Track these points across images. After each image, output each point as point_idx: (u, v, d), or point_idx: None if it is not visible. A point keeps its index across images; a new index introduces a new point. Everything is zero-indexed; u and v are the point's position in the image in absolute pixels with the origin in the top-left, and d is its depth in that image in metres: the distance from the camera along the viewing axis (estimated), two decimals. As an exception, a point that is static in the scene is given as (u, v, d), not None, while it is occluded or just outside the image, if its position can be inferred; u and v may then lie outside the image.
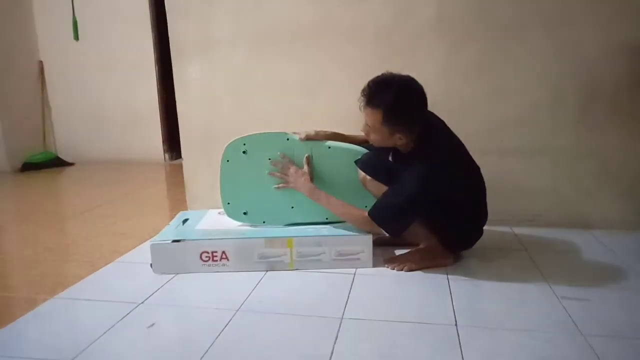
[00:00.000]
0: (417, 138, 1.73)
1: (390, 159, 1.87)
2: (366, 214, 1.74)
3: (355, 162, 1.91)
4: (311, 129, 1.96)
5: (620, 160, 2.22)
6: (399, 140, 1.71)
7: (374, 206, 1.75)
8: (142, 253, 2.04)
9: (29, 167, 4.50)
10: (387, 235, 1.83)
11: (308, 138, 1.93)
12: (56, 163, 4.70)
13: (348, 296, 1.64)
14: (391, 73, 1.68)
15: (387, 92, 1.63)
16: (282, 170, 1.94)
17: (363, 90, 1.68)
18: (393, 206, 1.70)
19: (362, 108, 1.70)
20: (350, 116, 2.00)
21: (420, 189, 1.66)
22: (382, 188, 1.79)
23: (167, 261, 1.85)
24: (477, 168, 1.85)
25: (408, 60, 2.25)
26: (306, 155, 1.93)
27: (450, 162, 1.72)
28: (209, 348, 1.33)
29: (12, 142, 4.46)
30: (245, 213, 1.99)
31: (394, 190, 1.71)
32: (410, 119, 1.68)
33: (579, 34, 2.14)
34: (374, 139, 1.75)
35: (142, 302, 1.63)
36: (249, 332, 1.43)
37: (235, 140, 1.96)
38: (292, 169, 1.92)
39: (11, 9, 4.49)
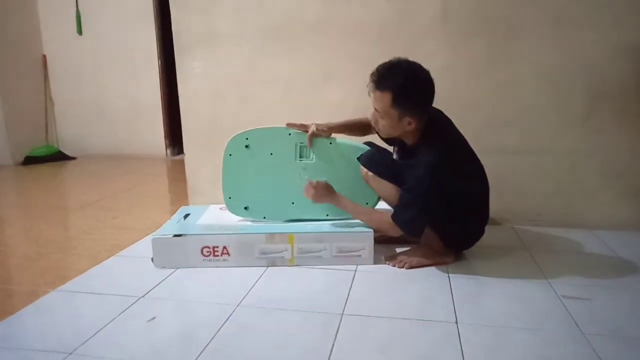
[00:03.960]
0: (424, 129, 1.72)
1: (394, 156, 1.86)
2: (390, 219, 1.74)
3: (358, 158, 1.91)
4: (315, 122, 1.94)
5: (624, 160, 2.21)
6: (408, 125, 1.69)
7: (395, 211, 1.75)
8: (144, 247, 2.04)
9: (31, 160, 4.50)
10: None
11: (314, 134, 1.92)
12: (58, 157, 4.70)
13: (349, 292, 1.64)
14: (398, 58, 1.68)
15: (396, 74, 1.64)
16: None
17: (372, 75, 1.68)
18: (409, 207, 1.70)
19: (370, 93, 1.69)
20: (354, 112, 2.00)
21: (431, 180, 1.65)
22: (384, 184, 1.78)
23: (168, 255, 1.85)
24: (481, 167, 1.84)
25: (412, 57, 2.23)
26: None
27: (455, 154, 1.72)
28: (209, 342, 1.34)
29: (14, 135, 4.47)
30: (246, 208, 1.99)
31: (406, 193, 1.71)
32: (420, 100, 1.68)
33: (585, 33, 2.13)
34: (382, 126, 1.74)
35: (143, 296, 1.63)
36: (249, 327, 1.43)
37: (238, 134, 1.96)
38: (311, 184, 1.87)
39: (15, 2, 4.49)
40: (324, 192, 1.87)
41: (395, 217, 1.73)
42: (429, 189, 1.66)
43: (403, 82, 1.63)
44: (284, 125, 1.95)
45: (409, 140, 1.77)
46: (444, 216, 1.75)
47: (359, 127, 1.98)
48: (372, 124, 1.77)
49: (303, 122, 1.94)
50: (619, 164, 2.22)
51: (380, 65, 1.68)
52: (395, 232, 1.77)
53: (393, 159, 1.87)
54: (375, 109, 1.71)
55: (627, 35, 2.10)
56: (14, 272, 1.95)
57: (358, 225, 1.91)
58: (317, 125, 1.92)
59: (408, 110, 1.66)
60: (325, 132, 1.92)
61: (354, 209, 1.87)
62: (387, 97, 1.65)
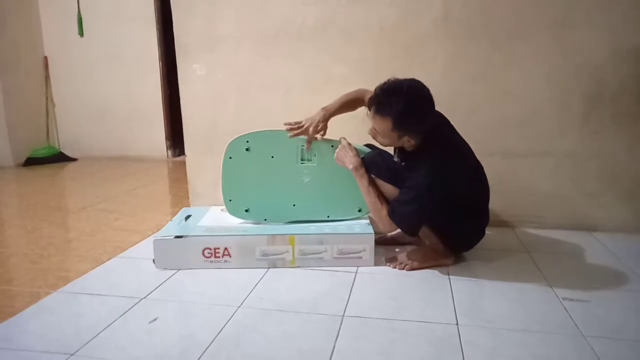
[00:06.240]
0: (424, 136, 1.73)
1: (395, 158, 1.87)
2: (387, 213, 1.74)
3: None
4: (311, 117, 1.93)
5: (624, 163, 2.21)
6: (408, 142, 1.72)
7: (391, 207, 1.75)
8: (145, 248, 2.05)
9: (32, 162, 4.51)
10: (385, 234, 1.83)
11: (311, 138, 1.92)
12: (59, 158, 4.71)
13: (349, 294, 1.64)
14: (397, 79, 1.67)
15: (395, 100, 1.63)
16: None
17: (371, 98, 1.69)
18: (407, 204, 1.70)
19: (369, 115, 1.71)
20: (354, 116, 2.01)
21: (431, 181, 1.66)
22: (384, 186, 1.79)
23: (169, 257, 1.86)
24: (481, 168, 1.85)
25: (413, 61, 2.26)
26: (341, 137, 1.92)
27: (455, 157, 1.73)
28: (210, 344, 1.34)
29: (16, 136, 4.47)
30: (247, 210, 1.99)
31: (406, 190, 1.72)
32: (419, 124, 1.68)
33: (584, 36, 2.14)
34: (381, 142, 1.77)
35: (145, 297, 1.64)
36: (251, 328, 1.43)
37: (238, 137, 1.97)
38: (344, 142, 1.89)
39: (17, 4, 4.50)
40: (351, 155, 1.83)
41: (392, 212, 1.73)
42: (429, 189, 1.66)
43: (403, 110, 1.62)
44: (284, 128, 1.96)
45: (409, 147, 1.77)
46: (445, 218, 1.76)
47: (354, 104, 1.96)
48: (371, 137, 1.77)
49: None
50: (618, 166, 2.22)
51: (379, 89, 1.67)
52: (389, 227, 1.77)
53: (394, 161, 1.88)
54: (374, 128, 1.72)
55: (626, 38, 2.11)
56: (15, 274, 1.96)
57: (359, 227, 1.92)
58: (313, 123, 1.90)
59: (408, 133, 1.68)
60: (323, 126, 1.91)
61: (368, 185, 1.79)
62: (387, 122, 1.66)
